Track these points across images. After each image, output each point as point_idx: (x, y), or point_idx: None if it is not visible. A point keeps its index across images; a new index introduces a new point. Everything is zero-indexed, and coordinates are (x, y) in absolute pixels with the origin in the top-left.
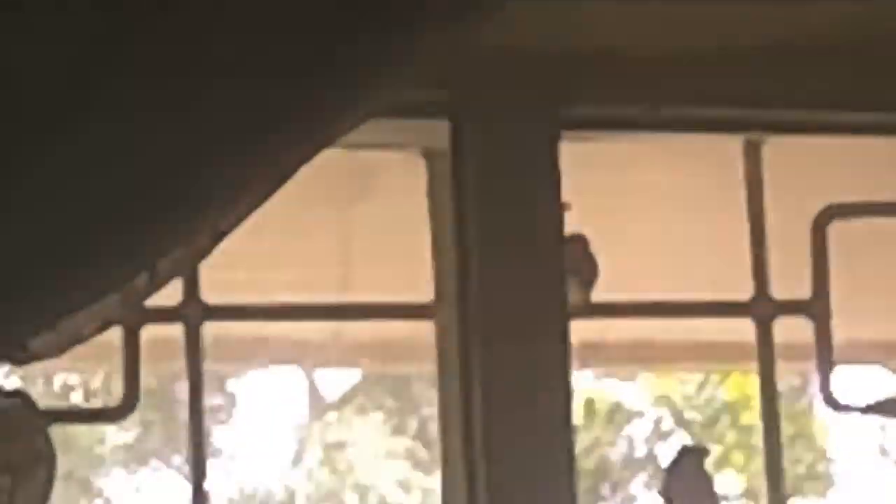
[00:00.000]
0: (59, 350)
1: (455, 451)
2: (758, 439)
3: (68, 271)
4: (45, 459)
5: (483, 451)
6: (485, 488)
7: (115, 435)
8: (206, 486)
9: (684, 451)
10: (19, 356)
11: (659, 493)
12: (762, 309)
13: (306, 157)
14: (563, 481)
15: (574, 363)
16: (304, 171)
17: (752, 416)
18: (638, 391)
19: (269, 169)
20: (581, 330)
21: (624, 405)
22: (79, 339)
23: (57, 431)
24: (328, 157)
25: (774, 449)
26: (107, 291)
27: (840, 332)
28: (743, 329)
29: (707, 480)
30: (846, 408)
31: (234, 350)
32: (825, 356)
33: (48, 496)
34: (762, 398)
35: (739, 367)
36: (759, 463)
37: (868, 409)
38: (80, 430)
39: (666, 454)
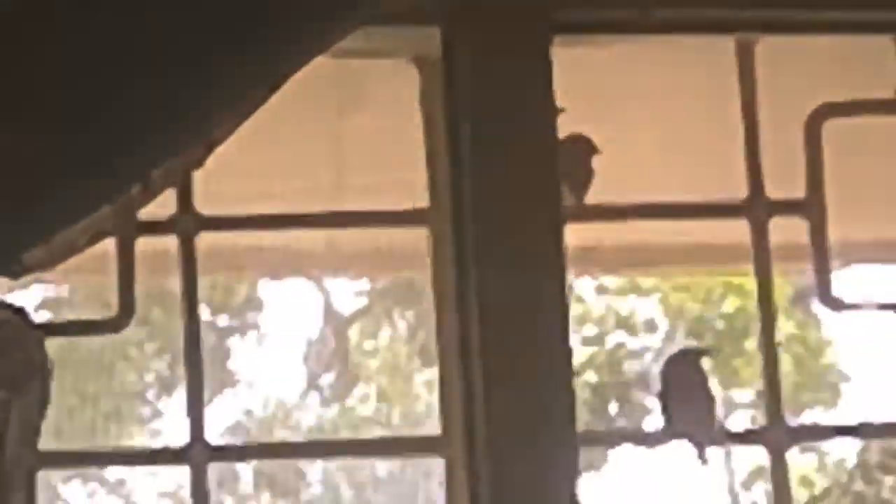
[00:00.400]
0: (53, 262)
1: (451, 351)
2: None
3: (62, 183)
4: (42, 372)
5: (480, 353)
6: (483, 390)
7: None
8: (219, 402)
9: (680, 353)
10: (14, 269)
11: (656, 396)
12: (757, 209)
13: (298, 64)
14: (559, 382)
15: (570, 268)
16: (296, 81)
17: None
18: (652, 304)
19: (262, 76)
20: (576, 235)
21: (638, 317)
22: (73, 252)
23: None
24: (319, 67)
25: (771, 352)
26: (100, 203)
27: (835, 232)
28: (739, 230)
29: (703, 381)
30: (845, 307)
31: (229, 261)
32: (822, 255)
33: (45, 409)
34: (759, 299)
35: (736, 270)
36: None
37: (869, 307)
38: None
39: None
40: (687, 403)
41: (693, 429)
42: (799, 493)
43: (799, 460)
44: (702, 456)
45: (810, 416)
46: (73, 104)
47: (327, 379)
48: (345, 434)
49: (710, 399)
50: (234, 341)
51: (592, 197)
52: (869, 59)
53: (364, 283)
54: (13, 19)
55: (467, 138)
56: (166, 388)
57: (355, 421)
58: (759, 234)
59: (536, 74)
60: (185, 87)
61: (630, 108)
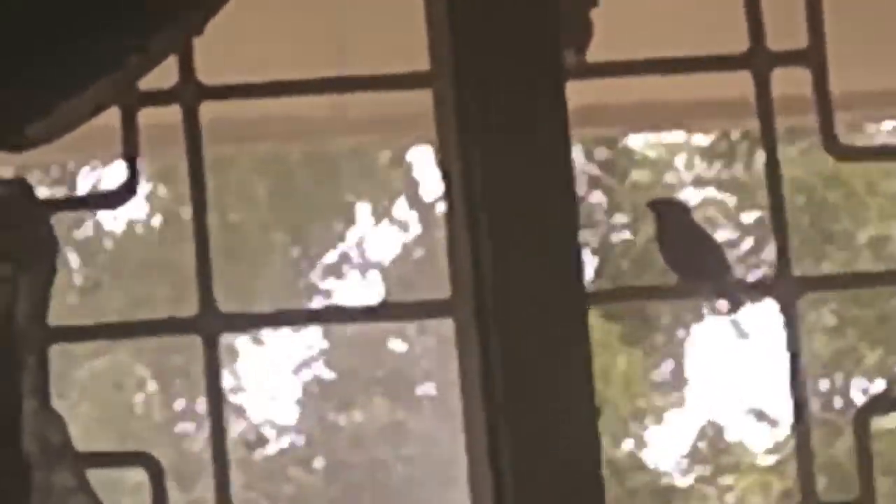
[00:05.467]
0: (54, 135)
1: (459, 214)
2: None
3: (60, 50)
4: (48, 247)
5: (487, 217)
6: (491, 252)
7: None
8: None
9: (664, 201)
10: (15, 142)
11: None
12: (759, 60)
13: None
14: (566, 241)
15: (574, 127)
16: None
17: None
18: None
19: None
20: (578, 93)
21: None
22: (74, 124)
23: None
24: None
25: (778, 205)
26: (100, 72)
27: (838, 83)
28: (743, 83)
29: (699, 229)
30: (850, 155)
31: (233, 131)
32: (825, 105)
33: (50, 286)
34: (765, 152)
35: (740, 125)
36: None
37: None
38: None
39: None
40: (689, 253)
41: (705, 279)
42: None
43: None
44: (730, 305)
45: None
46: None
47: None
48: None
49: (714, 246)
50: None
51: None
52: None
53: None
54: None
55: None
56: None
57: None
58: (763, 85)
59: None
60: None
61: None
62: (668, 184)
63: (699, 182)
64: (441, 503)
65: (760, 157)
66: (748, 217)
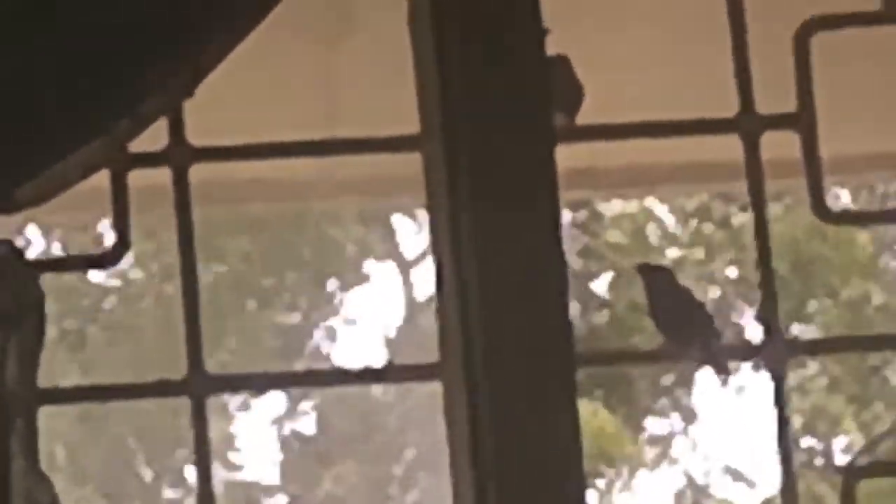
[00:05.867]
0: (44, 197)
1: (448, 277)
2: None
3: (51, 114)
4: (37, 309)
5: (478, 282)
6: (479, 316)
7: None
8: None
9: (649, 271)
10: (4, 204)
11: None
12: (748, 124)
13: None
14: (556, 306)
15: (564, 190)
16: (285, 8)
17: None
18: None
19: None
20: (569, 157)
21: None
22: (64, 186)
23: None
24: None
25: (767, 270)
26: (90, 136)
27: (828, 147)
28: (731, 147)
29: (687, 293)
30: (839, 219)
31: (223, 193)
32: (814, 168)
33: (40, 347)
34: (753, 215)
35: (729, 187)
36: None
37: (863, 219)
38: None
39: None
40: (678, 317)
41: (691, 345)
42: None
43: None
44: (723, 371)
45: None
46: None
47: None
48: None
49: (703, 310)
50: None
51: (583, 118)
52: None
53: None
54: None
55: (456, 60)
56: None
57: None
58: (752, 148)
59: None
60: (171, 11)
61: (616, 25)
62: (647, 244)
63: (675, 242)
64: None
65: (737, 217)
66: (726, 273)
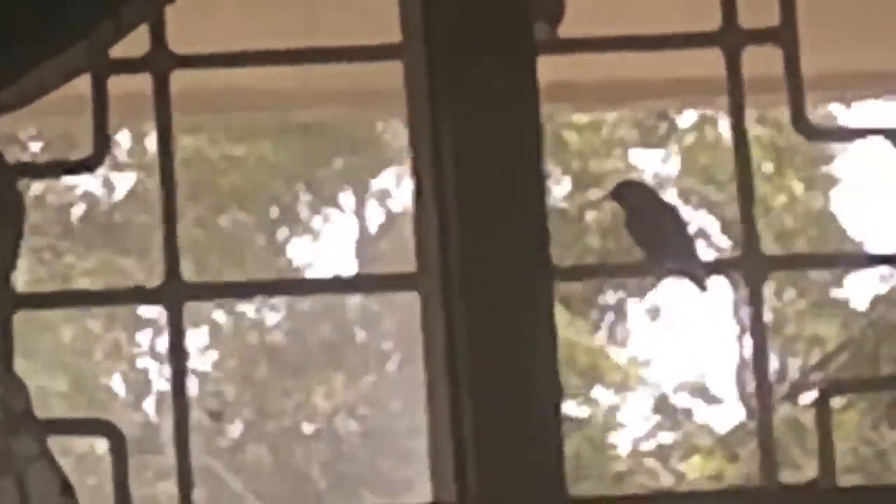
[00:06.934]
0: (26, 101)
1: (427, 186)
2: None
3: (31, 17)
4: (15, 212)
5: (455, 191)
6: (458, 225)
7: None
8: None
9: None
10: None
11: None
12: (730, 38)
13: None
14: (534, 217)
15: (546, 103)
16: None
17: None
18: None
19: None
20: (551, 70)
21: None
22: (45, 90)
23: None
24: None
25: (746, 181)
26: (71, 39)
27: (809, 64)
28: (713, 62)
29: (668, 207)
30: (819, 134)
31: (203, 101)
32: (796, 84)
33: (17, 251)
34: (733, 130)
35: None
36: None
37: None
38: None
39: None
40: (658, 232)
41: (673, 258)
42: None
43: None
44: (701, 284)
45: None
46: None
47: None
48: None
49: (681, 225)
50: None
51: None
52: None
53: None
54: None
55: None
56: None
57: None
58: (733, 63)
59: None
60: None
61: None
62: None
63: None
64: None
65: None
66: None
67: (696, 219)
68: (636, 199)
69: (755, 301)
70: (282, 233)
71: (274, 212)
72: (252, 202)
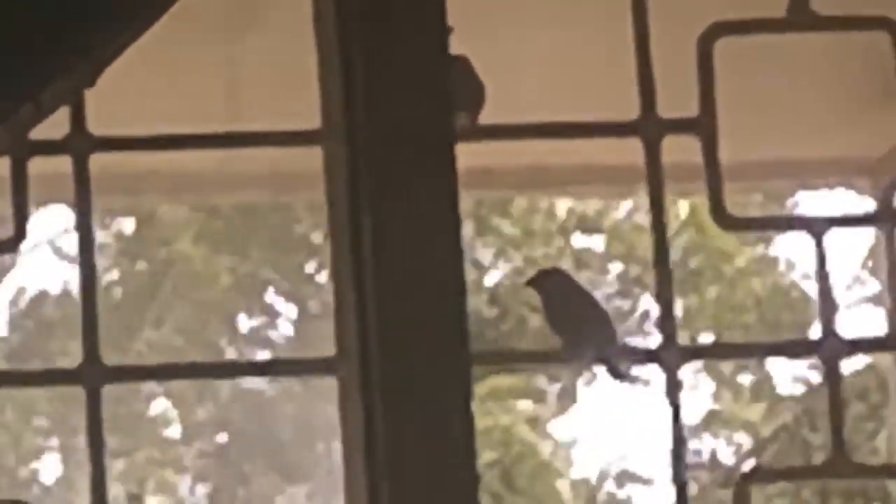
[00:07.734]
0: None
1: (346, 273)
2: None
3: None
4: None
5: (373, 276)
6: (376, 312)
7: None
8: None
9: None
10: None
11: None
12: (650, 128)
13: None
14: (453, 303)
15: (464, 190)
16: (189, 1)
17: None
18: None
19: None
20: (470, 156)
21: None
22: None
23: None
24: None
25: (664, 275)
26: None
27: (728, 152)
28: (634, 150)
29: (586, 294)
30: (738, 225)
31: (122, 183)
32: (714, 174)
33: None
34: (652, 219)
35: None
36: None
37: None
38: None
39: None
40: (575, 319)
41: (589, 347)
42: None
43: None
44: (617, 374)
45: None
46: None
47: None
48: None
49: (600, 312)
50: None
51: (485, 117)
52: None
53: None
54: None
55: (359, 58)
56: None
57: None
58: (653, 152)
59: None
60: (67, 4)
61: (520, 26)
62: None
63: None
64: None
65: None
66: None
67: (641, 302)
68: (555, 287)
69: (671, 391)
70: None
71: None
72: None
